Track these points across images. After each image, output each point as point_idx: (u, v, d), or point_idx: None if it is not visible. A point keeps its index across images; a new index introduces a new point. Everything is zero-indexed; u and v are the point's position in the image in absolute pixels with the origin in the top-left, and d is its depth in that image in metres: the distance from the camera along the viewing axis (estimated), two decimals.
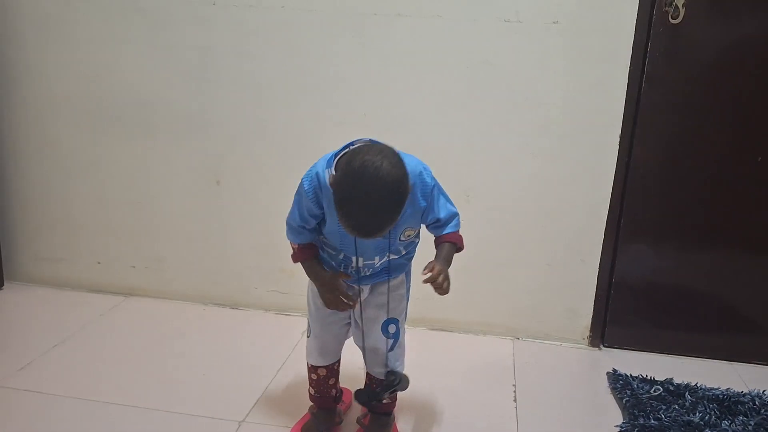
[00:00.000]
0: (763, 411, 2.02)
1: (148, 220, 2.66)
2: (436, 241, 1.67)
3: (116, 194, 2.65)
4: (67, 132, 2.61)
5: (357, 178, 1.34)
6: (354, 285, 1.69)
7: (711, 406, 2.03)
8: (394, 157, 1.36)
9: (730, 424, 1.94)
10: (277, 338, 2.40)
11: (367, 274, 1.67)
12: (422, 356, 2.28)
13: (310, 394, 1.85)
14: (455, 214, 1.65)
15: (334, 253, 1.66)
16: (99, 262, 2.74)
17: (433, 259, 1.61)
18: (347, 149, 1.47)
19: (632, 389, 2.12)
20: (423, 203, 1.56)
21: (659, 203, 2.34)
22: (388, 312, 1.71)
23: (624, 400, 2.06)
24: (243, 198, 2.56)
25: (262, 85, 2.43)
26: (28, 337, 2.35)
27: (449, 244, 1.65)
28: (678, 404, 2.04)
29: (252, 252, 2.61)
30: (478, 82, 2.30)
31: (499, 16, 2.23)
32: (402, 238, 1.62)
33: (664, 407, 2.02)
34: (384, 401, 1.76)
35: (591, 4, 2.19)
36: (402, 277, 1.74)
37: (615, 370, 2.25)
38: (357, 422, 1.85)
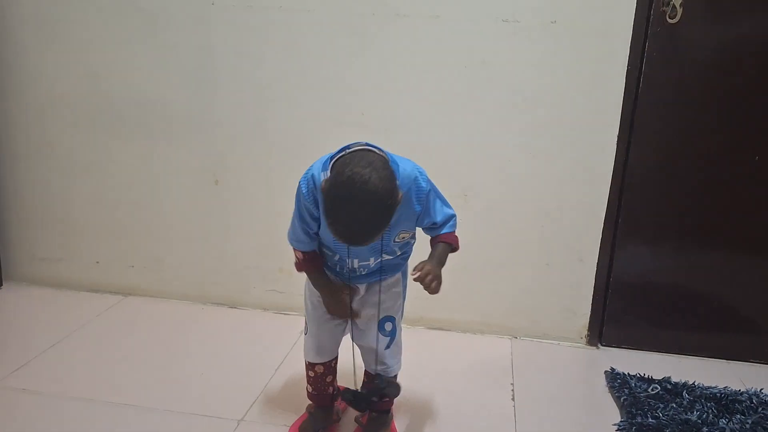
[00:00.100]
0: (760, 409, 2.02)
1: (147, 220, 2.66)
2: (431, 241, 1.68)
3: (115, 194, 2.65)
4: (65, 132, 2.62)
5: (344, 190, 1.35)
6: (352, 284, 1.70)
7: (708, 404, 2.04)
8: (383, 170, 1.36)
9: (728, 422, 1.95)
10: (275, 337, 2.40)
11: (363, 273, 1.68)
12: (420, 356, 2.30)
13: (308, 392, 1.85)
14: (452, 216, 1.66)
15: (330, 254, 1.67)
16: (98, 262, 2.74)
17: (427, 258, 1.62)
18: (343, 152, 1.48)
19: (630, 388, 2.12)
20: (418, 208, 1.57)
21: (657, 203, 2.35)
22: (380, 311, 1.71)
23: (622, 399, 2.07)
24: (242, 198, 2.56)
25: (261, 85, 2.44)
26: (27, 336, 2.36)
27: (444, 245, 1.66)
28: (676, 403, 2.05)
29: (250, 252, 2.61)
30: (476, 82, 2.31)
31: (497, 16, 2.24)
32: (397, 240, 1.63)
33: (661, 406, 2.02)
34: (374, 400, 1.76)
35: (589, 4, 2.19)
36: (398, 275, 1.74)
37: (613, 369, 2.26)
38: (355, 421, 1.86)
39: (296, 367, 2.14)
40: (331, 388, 1.84)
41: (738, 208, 2.32)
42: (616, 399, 2.11)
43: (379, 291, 1.70)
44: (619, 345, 2.49)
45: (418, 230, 1.69)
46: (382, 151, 1.50)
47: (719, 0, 2.18)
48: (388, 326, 1.73)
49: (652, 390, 2.11)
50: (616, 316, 2.46)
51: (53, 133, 2.62)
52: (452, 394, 2.11)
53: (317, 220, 1.57)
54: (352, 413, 1.92)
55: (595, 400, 2.15)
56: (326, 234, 1.58)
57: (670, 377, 2.21)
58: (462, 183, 2.39)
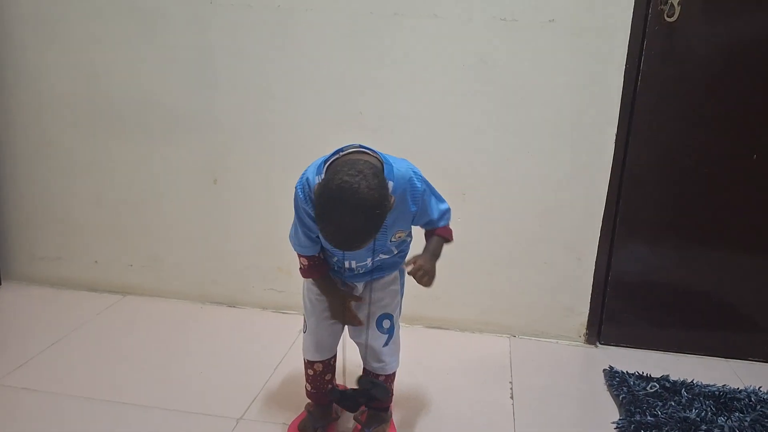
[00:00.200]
0: (759, 407, 2.03)
1: (146, 219, 2.66)
2: (426, 234, 1.69)
3: (113, 193, 2.65)
4: (64, 131, 2.62)
5: (334, 199, 1.35)
6: (350, 282, 1.72)
7: (707, 402, 2.04)
8: (373, 178, 1.36)
9: (726, 420, 1.95)
10: (274, 336, 2.40)
11: (361, 272, 1.69)
12: (419, 354, 2.30)
13: (306, 390, 1.85)
14: (447, 210, 1.68)
15: (329, 254, 1.68)
16: (96, 261, 2.74)
17: (422, 251, 1.65)
18: (337, 156, 1.48)
19: (629, 386, 2.12)
20: (414, 208, 1.58)
21: (655, 201, 2.35)
22: (371, 308, 1.72)
23: (620, 397, 2.07)
24: (240, 197, 2.56)
25: (260, 85, 2.44)
26: (26, 335, 2.35)
27: (438, 238, 1.68)
28: (674, 401, 2.05)
29: (249, 251, 2.61)
30: (474, 80, 2.31)
31: (495, 15, 2.24)
32: (393, 239, 1.64)
33: (660, 404, 2.02)
34: (361, 401, 1.76)
35: (587, 3, 2.19)
36: (395, 273, 1.75)
37: (611, 367, 2.26)
38: (354, 419, 1.85)
39: (295, 366, 2.14)
40: (330, 386, 1.84)
41: (736, 207, 2.32)
42: (615, 397, 2.11)
43: (371, 290, 1.72)
44: (617, 343, 2.50)
45: (414, 227, 1.70)
46: (376, 152, 1.51)
47: None
48: (386, 324, 1.73)
49: (651, 388, 2.12)
50: (614, 314, 2.47)
51: (52, 133, 2.63)
52: (451, 392, 2.11)
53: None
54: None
55: (593, 398, 2.15)
56: (322, 238, 1.59)
57: (668, 375, 2.21)
58: (460, 182, 2.40)
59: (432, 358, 2.33)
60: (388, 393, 1.76)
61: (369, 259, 1.65)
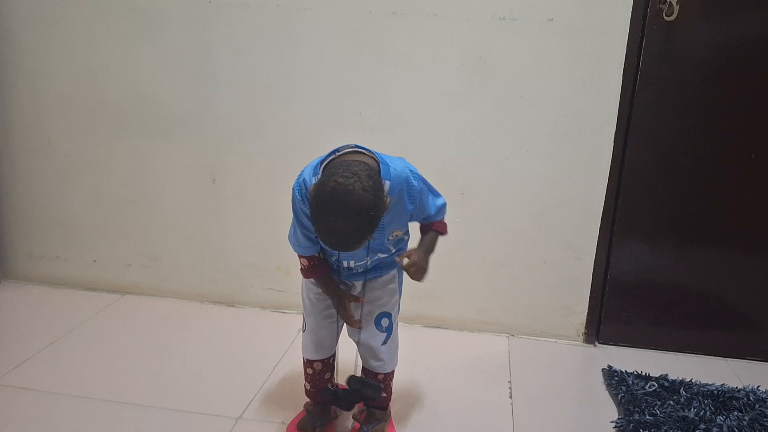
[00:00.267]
0: (757, 406, 2.03)
1: (144, 219, 2.66)
2: (421, 228, 1.70)
3: (112, 193, 2.65)
4: (62, 131, 2.61)
5: (328, 201, 1.35)
6: (347, 281, 1.73)
7: (706, 401, 2.04)
8: (367, 180, 1.36)
9: (725, 419, 1.95)
10: (273, 336, 2.40)
11: (359, 271, 1.69)
12: (418, 353, 2.30)
13: (305, 389, 1.85)
14: (443, 205, 1.69)
15: (328, 254, 1.69)
16: (95, 261, 2.74)
17: (417, 246, 1.67)
18: (333, 156, 1.49)
19: (627, 385, 2.13)
20: (410, 207, 1.59)
21: (654, 201, 2.35)
22: (363, 307, 1.73)
23: (619, 396, 2.07)
24: (239, 196, 2.56)
25: (258, 84, 2.43)
26: (24, 335, 2.35)
27: (433, 232, 1.69)
28: (673, 400, 2.05)
29: (248, 250, 2.61)
30: (473, 79, 2.31)
31: (493, 14, 2.24)
32: (390, 238, 1.64)
33: (659, 403, 2.02)
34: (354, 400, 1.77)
35: (586, 2, 2.19)
36: (394, 272, 1.76)
37: (610, 367, 2.26)
38: (353, 417, 1.85)
39: (294, 365, 2.14)
40: (329, 386, 1.84)
41: (735, 206, 2.33)
42: (614, 396, 2.11)
43: (369, 289, 1.72)
44: (616, 342, 2.50)
45: (410, 223, 1.71)
46: (372, 152, 1.52)
47: None
48: (385, 322, 1.74)
49: (650, 387, 2.12)
50: (613, 313, 2.47)
51: (51, 132, 2.62)
52: (450, 391, 2.11)
53: None
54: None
55: (592, 397, 2.15)
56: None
57: (667, 374, 2.21)
58: (459, 181, 2.40)
59: (431, 358, 2.33)
60: (381, 392, 1.76)
61: (367, 258, 1.65)
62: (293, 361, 2.17)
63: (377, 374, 1.79)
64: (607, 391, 2.16)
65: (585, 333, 2.49)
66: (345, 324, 1.77)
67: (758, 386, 2.16)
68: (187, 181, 2.58)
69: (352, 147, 1.51)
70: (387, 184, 1.49)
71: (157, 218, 2.65)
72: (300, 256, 1.69)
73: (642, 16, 2.18)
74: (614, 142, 2.29)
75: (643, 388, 2.11)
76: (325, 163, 1.48)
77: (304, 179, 1.54)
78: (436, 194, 1.67)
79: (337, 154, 1.49)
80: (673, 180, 2.32)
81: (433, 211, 1.65)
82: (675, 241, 2.39)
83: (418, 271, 1.59)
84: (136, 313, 2.58)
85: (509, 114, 2.32)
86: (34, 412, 1.89)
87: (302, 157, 1.64)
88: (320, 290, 1.73)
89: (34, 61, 2.56)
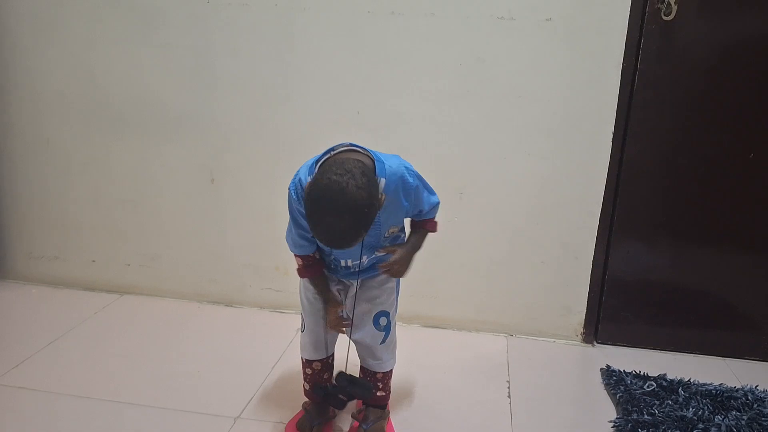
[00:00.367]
0: (755, 406, 2.03)
1: (143, 219, 2.66)
2: (411, 224, 1.71)
3: (111, 192, 2.65)
4: (61, 131, 2.61)
5: (322, 199, 1.36)
6: (345, 280, 1.73)
7: (704, 401, 2.04)
8: (361, 177, 1.37)
9: (723, 419, 1.95)
10: (271, 335, 2.40)
11: (357, 270, 1.69)
12: (416, 353, 2.30)
13: (304, 389, 1.86)
14: (437, 204, 1.70)
15: (325, 253, 1.69)
16: (94, 261, 2.74)
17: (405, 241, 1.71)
18: (328, 155, 1.49)
19: (626, 385, 2.13)
20: (406, 204, 1.59)
21: (652, 200, 2.35)
22: (355, 306, 1.73)
23: (617, 396, 2.07)
24: (237, 196, 2.56)
25: (256, 83, 2.44)
26: (23, 335, 2.35)
27: (422, 230, 1.72)
28: (671, 399, 2.05)
29: (246, 250, 2.61)
30: (471, 79, 2.31)
31: (492, 14, 2.24)
32: (386, 236, 1.65)
33: (657, 402, 2.02)
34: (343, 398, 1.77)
35: (584, 2, 2.20)
36: None
37: (608, 366, 2.26)
38: (352, 416, 1.86)
39: (292, 365, 2.14)
40: (328, 385, 1.84)
41: (733, 206, 2.33)
42: (612, 396, 2.11)
43: (367, 288, 1.73)
44: (614, 342, 2.50)
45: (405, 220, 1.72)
46: (368, 150, 1.52)
47: None
48: (383, 321, 1.74)
49: (648, 387, 2.12)
50: (611, 313, 2.47)
51: (49, 131, 2.62)
52: (448, 391, 2.11)
53: None
54: (348, 409, 1.92)
55: (590, 397, 2.15)
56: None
57: (665, 374, 2.21)
58: (457, 181, 2.40)
59: (429, 357, 2.33)
60: (370, 392, 1.77)
61: (364, 257, 1.65)
62: (292, 361, 2.17)
63: (376, 373, 1.79)
64: (605, 391, 2.16)
65: (583, 333, 2.49)
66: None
67: (756, 386, 2.17)
68: (185, 181, 2.58)
69: (347, 145, 1.51)
70: (382, 182, 1.49)
71: (155, 218, 2.65)
72: (295, 255, 1.69)
73: (640, 16, 2.18)
74: (612, 141, 2.29)
75: (642, 387, 2.11)
76: (320, 163, 1.48)
77: (299, 179, 1.54)
78: (431, 191, 1.67)
79: (333, 152, 1.49)
80: (672, 179, 2.32)
81: (426, 207, 1.65)
82: (673, 241, 2.39)
83: (399, 271, 1.65)
84: (135, 313, 2.59)
85: (507, 114, 2.32)
86: (33, 411, 1.89)
87: (301, 156, 1.64)
88: None
89: (33, 60, 2.56)
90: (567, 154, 2.33)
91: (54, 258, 2.77)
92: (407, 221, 1.72)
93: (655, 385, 2.13)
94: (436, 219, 1.73)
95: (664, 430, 1.88)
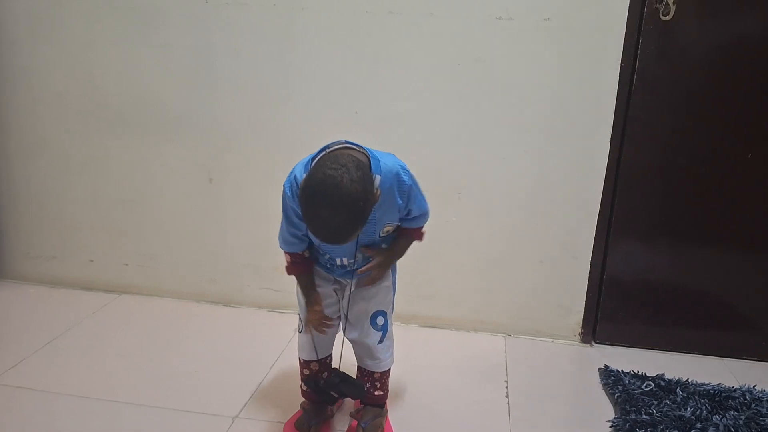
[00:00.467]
0: (753, 405, 2.03)
1: (141, 218, 2.66)
2: (398, 230, 1.70)
3: (109, 192, 2.65)
4: (59, 130, 2.61)
5: (317, 193, 1.36)
6: (341, 279, 1.72)
7: (702, 401, 2.04)
8: (356, 171, 1.37)
9: (721, 418, 1.95)
10: (270, 335, 2.40)
11: (353, 268, 1.69)
12: (414, 353, 2.30)
13: (302, 390, 1.86)
14: (426, 212, 1.69)
15: (321, 253, 1.69)
16: (91, 260, 2.74)
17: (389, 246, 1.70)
18: (324, 152, 1.49)
19: (624, 385, 2.13)
20: (400, 201, 1.59)
21: (650, 200, 2.35)
22: (349, 304, 1.74)
23: (616, 396, 2.07)
24: (236, 196, 2.56)
25: (255, 83, 2.43)
26: (21, 334, 2.35)
27: (408, 239, 1.72)
28: (669, 399, 2.05)
29: (245, 250, 2.61)
30: (469, 79, 2.31)
31: (490, 14, 2.24)
32: (381, 234, 1.65)
33: (655, 402, 2.03)
34: (334, 395, 1.78)
35: (582, 2, 2.20)
36: (387, 270, 1.75)
37: (607, 366, 2.26)
38: (350, 416, 1.86)
39: (291, 365, 2.14)
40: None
41: (731, 206, 2.33)
42: (610, 396, 2.11)
43: (352, 286, 1.73)
44: (612, 342, 2.50)
45: None
46: (363, 148, 1.52)
47: None
48: (380, 321, 1.74)
49: (646, 387, 2.12)
50: (609, 313, 2.47)
51: (47, 131, 2.62)
52: (446, 391, 2.11)
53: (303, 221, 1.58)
54: (347, 409, 1.93)
55: (589, 397, 2.15)
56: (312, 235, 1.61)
57: (663, 374, 2.21)
58: (456, 181, 2.40)
59: (427, 357, 2.33)
60: (362, 391, 1.78)
61: (360, 255, 1.66)
62: (290, 361, 2.17)
63: (373, 373, 1.79)
64: (603, 391, 2.16)
65: (581, 332, 2.49)
66: (340, 323, 1.78)
67: (754, 386, 2.17)
68: (184, 181, 2.58)
69: (343, 143, 1.51)
70: (377, 178, 1.49)
71: (153, 218, 2.65)
72: (284, 252, 1.70)
73: (638, 16, 2.18)
74: (611, 141, 2.29)
75: (640, 387, 2.12)
76: (316, 160, 1.48)
77: (295, 176, 1.54)
78: (423, 199, 1.66)
79: (328, 150, 1.49)
80: (670, 179, 2.33)
81: (416, 210, 1.64)
82: (672, 241, 2.39)
83: (375, 277, 1.67)
84: (133, 312, 2.58)
85: (506, 114, 2.32)
86: (31, 411, 1.89)
87: (299, 156, 1.64)
88: (318, 289, 1.73)
89: (31, 60, 2.56)
90: (565, 154, 2.33)
91: (52, 258, 2.77)
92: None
93: (653, 384, 2.13)
94: (423, 229, 1.73)
95: (662, 429, 1.89)
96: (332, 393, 1.74)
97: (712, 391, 2.11)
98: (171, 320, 2.53)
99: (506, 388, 2.16)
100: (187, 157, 2.55)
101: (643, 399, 2.04)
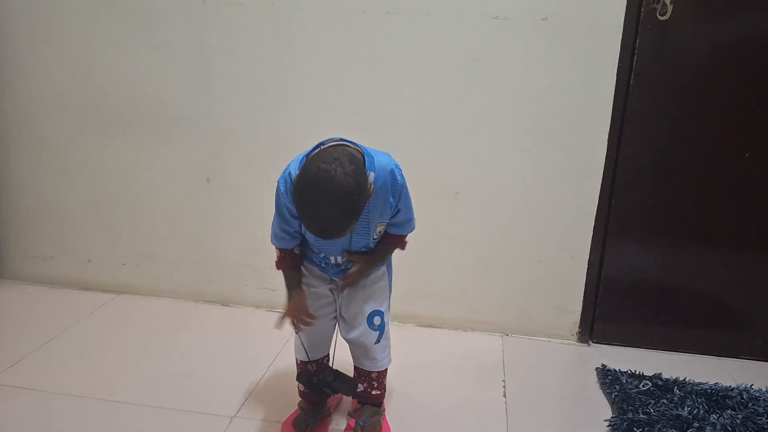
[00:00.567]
0: (750, 405, 2.03)
1: (139, 218, 2.66)
2: (383, 237, 1.70)
3: (107, 192, 2.65)
4: (57, 130, 2.61)
5: (311, 187, 1.36)
6: (336, 278, 1.73)
7: (699, 400, 2.05)
8: (349, 165, 1.37)
9: (719, 417, 1.95)
10: (267, 335, 2.38)
11: (348, 268, 1.69)
12: (412, 353, 2.31)
13: (299, 390, 1.85)
14: (412, 218, 1.69)
15: (316, 251, 1.69)
16: (89, 260, 2.74)
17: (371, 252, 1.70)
18: (318, 149, 1.49)
19: (621, 384, 2.13)
20: (392, 200, 1.59)
21: (647, 200, 2.36)
22: (344, 303, 1.75)
23: (613, 395, 2.08)
24: (234, 195, 2.56)
25: (253, 83, 2.44)
26: (19, 334, 2.35)
27: (388, 246, 1.72)
28: (666, 399, 2.05)
29: (243, 249, 2.61)
30: (466, 79, 2.31)
31: (487, 13, 2.24)
32: (375, 236, 1.65)
33: (652, 402, 2.03)
34: (327, 392, 1.79)
35: (579, 1, 2.20)
36: (383, 268, 1.76)
37: (604, 366, 2.26)
38: (348, 414, 1.86)
39: (288, 364, 2.13)
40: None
41: (728, 205, 2.33)
42: (608, 395, 2.11)
43: (360, 286, 1.73)
44: (610, 342, 2.50)
45: None
46: (357, 145, 1.52)
47: None
48: (377, 320, 1.73)
49: (643, 386, 2.12)
50: (607, 313, 2.47)
51: (45, 131, 2.62)
52: (444, 390, 2.11)
53: (297, 218, 1.57)
54: (345, 408, 1.93)
55: (586, 396, 2.15)
56: (307, 233, 1.60)
57: (661, 373, 2.22)
58: (453, 181, 2.40)
59: (424, 357, 2.33)
60: (354, 389, 1.78)
61: (344, 253, 1.66)
62: (288, 360, 2.17)
63: (370, 372, 1.79)
64: (600, 390, 2.17)
65: (579, 332, 2.50)
66: (337, 323, 1.79)
67: (751, 385, 2.17)
68: (181, 181, 2.58)
69: (337, 140, 1.51)
70: (371, 175, 1.49)
71: (151, 218, 2.65)
72: (275, 248, 1.71)
73: (636, 16, 2.19)
74: (608, 141, 2.30)
75: (637, 386, 2.12)
76: (310, 157, 1.48)
77: (289, 172, 1.54)
78: (411, 207, 1.67)
79: (322, 147, 1.49)
80: (667, 179, 2.33)
81: (403, 217, 1.65)
82: (669, 241, 2.40)
83: (352, 282, 1.68)
84: (131, 312, 2.58)
85: (503, 113, 2.33)
86: (29, 411, 1.89)
87: (296, 155, 1.64)
88: (313, 289, 1.74)
89: (29, 59, 2.56)
90: (563, 153, 2.33)
91: (49, 258, 2.77)
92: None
93: (650, 384, 2.13)
94: (407, 239, 1.73)
95: (659, 429, 1.89)
96: (325, 389, 1.75)
97: (709, 391, 2.11)
98: (169, 320, 2.53)
99: (503, 387, 2.16)
100: (185, 156, 2.55)
101: (640, 398, 2.05)
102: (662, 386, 2.14)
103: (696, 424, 1.91)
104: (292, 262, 1.71)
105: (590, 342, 2.51)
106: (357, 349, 1.77)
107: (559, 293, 2.47)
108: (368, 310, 1.72)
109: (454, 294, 2.52)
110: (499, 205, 2.41)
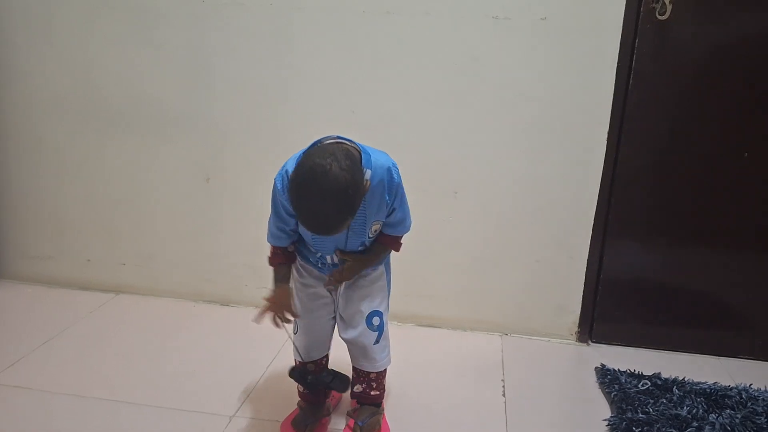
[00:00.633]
0: (749, 404, 2.03)
1: (138, 218, 2.66)
2: (378, 237, 1.70)
3: (106, 192, 2.65)
4: (56, 130, 2.61)
5: (306, 182, 1.37)
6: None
7: (698, 399, 2.05)
8: (345, 160, 1.37)
9: (717, 417, 1.95)
10: (267, 335, 2.36)
11: (344, 266, 1.69)
12: (411, 352, 2.31)
13: (299, 390, 1.86)
14: (406, 218, 1.69)
15: (313, 251, 1.69)
16: (89, 260, 2.74)
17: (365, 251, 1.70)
18: (314, 146, 1.49)
19: (620, 384, 2.13)
20: (388, 198, 1.59)
21: (646, 200, 2.36)
22: (342, 301, 1.74)
23: (612, 395, 2.08)
24: (233, 195, 2.56)
25: (252, 83, 2.44)
26: (18, 334, 2.35)
27: (383, 246, 1.72)
28: (666, 398, 2.05)
29: (242, 249, 2.61)
30: (466, 79, 2.31)
31: (486, 13, 2.24)
32: (370, 236, 1.65)
33: (651, 401, 2.03)
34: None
35: (579, 1, 2.20)
36: (381, 268, 1.76)
37: (603, 365, 2.26)
38: (347, 414, 1.86)
39: (288, 364, 2.12)
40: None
41: (727, 205, 2.33)
42: (607, 395, 2.11)
43: (358, 286, 1.73)
44: (609, 341, 2.50)
45: None
46: (354, 143, 1.52)
47: None
48: (376, 321, 1.73)
49: (643, 386, 2.12)
50: (606, 312, 2.47)
51: (44, 131, 2.62)
52: (443, 390, 2.11)
53: (293, 216, 1.58)
54: (343, 408, 1.93)
55: (585, 396, 2.15)
56: (303, 231, 1.61)
57: (660, 373, 2.22)
58: (452, 180, 2.40)
59: (424, 356, 2.33)
60: (347, 386, 1.78)
61: (337, 252, 1.66)
62: (287, 360, 2.15)
63: (369, 373, 1.78)
64: (600, 390, 2.17)
65: (578, 332, 2.50)
66: (335, 324, 1.79)
67: (750, 384, 2.17)
68: (181, 181, 2.58)
69: (334, 138, 1.51)
70: (368, 172, 1.50)
71: (151, 217, 2.65)
72: (270, 245, 1.72)
73: (635, 15, 2.19)
74: (607, 141, 2.30)
75: (636, 386, 2.12)
76: (306, 153, 1.49)
77: (286, 170, 1.55)
78: (407, 208, 1.68)
79: (319, 144, 1.50)
80: (667, 179, 2.33)
81: (399, 215, 1.65)
82: (668, 240, 2.40)
83: (341, 280, 1.68)
84: (130, 312, 2.58)
85: (502, 113, 2.33)
86: (28, 410, 1.89)
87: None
88: (311, 289, 1.74)
89: (28, 59, 2.56)
90: (562, 153, 2.33)
91: (49, 257, 2.77)
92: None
93: (649, 383, 2.13)
94: (401, 240, 1.73)
95: (658, 428, 1.89)
96: (318, 386, 1.76)
97: (708, 390, 2.11)
98: (168, 320, 2.53)
99: (503, 387, 2.16)
100: (184, 156, 2.55)
101: (639, 398, 2.05)
102: (661, 386, 2.14)
103: (695, 424, 1.91)
104: (285, 258, 1.72)
105: (589, 342, 2.51)
106: (356, 349, 1.76)
107: (559, 293, 2.47)
108: (367, 310, 1.72)
109: (454, 294, 2.52)
110: (499, 205, 2.41)
